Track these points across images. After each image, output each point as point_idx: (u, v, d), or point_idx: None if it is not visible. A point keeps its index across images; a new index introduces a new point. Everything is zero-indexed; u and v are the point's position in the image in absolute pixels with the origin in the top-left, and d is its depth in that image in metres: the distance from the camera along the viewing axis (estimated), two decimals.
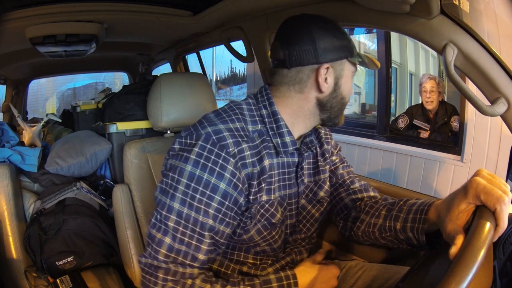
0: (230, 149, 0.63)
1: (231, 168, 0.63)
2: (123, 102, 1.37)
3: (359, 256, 1.05)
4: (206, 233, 0.63)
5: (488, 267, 0.52)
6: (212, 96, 1.22)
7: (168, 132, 1.19)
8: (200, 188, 0.61)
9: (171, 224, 0.62)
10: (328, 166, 0.83)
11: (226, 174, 0.62)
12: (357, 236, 0.81)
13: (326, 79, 0.68)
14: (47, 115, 1.90)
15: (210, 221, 0.62)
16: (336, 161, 0.86)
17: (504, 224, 0.49)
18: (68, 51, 1.22)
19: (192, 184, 0.61)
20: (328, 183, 0.83)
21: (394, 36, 2.66)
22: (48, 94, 4.47)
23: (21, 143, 1.40)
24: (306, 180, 0.79)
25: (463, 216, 0.55)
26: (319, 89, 0.69)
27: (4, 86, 2.35)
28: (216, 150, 0.62)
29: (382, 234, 0.75)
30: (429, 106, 2.40)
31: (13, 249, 1.11)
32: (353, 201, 0.83)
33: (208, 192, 0.61)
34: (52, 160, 1.32)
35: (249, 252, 0.75)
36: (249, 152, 0.65)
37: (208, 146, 0.62)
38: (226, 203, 0.63)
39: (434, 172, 2.06)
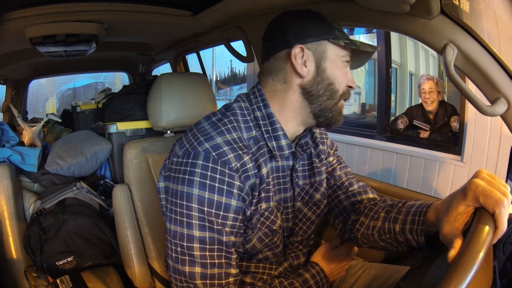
0: (233, 165, 0.61)
1: (238, 183, 0.62)
2: (123, 102, 1.37)
3: (359, 256, 1.05)
4: (232, 249, 0.64)
5: (488, 268, 0.51)
6: (212, 96, 1.22)
7: (168, 132, 1.19)
8: (214, 211, 0.60)
9: (196, 253, 0.61)
10: (324, 168, 0.82)
11: (234, 190, 0.61)
12: (356, 238, 0.79)
13: (305, 62, 0.66)
14: (47, 115, 1.90)
15: (232, 238, 0.63)
16: (333, 162, 0.85)
17: (503, 226, 0.48)
18: (68, 51, 1.22)
19: (205, 209, 0.60)
20: (324, 185, 0.81)
21: (394, 36, 2.66)
22: (48, 94, 4.46)
23: (21, 143, 1.40)
24: (301, 182, 0.77)
25: (461, 218, 0.54)
26: (298, 74, 0.67)
27: (4, 86, 2.35)
28: (219, 167, 0.60)
29: (381, 237, 0.73)
30: (429, 107, 2.39)
31: (13, 249, 1.11)
32: (352, 204, 0.82)
33: (222, 213, 0.61)
34: (52, 160, 1.32)
35: (251, 261, 0.75)
36: (251, 165, 0.64)
37: (210, 164, 0.60)
38: (239, 217, 0.64)
39: (434, 172, 2.06)
